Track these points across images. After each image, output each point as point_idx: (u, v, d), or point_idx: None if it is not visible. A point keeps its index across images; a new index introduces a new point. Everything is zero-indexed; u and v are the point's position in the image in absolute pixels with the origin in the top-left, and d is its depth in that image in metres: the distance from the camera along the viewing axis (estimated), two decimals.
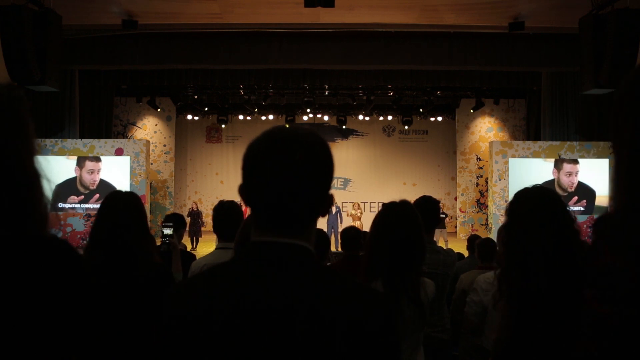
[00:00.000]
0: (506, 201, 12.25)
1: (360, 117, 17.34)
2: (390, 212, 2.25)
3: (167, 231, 3.27)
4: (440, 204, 15.12)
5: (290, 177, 0.97)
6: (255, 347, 0.93)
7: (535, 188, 1.78)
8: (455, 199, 17.51)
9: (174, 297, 1.02)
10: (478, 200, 16.61)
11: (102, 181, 11.96)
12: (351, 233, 4.23)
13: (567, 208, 1.71)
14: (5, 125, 1.03)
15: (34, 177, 1.05)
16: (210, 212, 3.46)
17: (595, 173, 11.98)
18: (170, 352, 0.98)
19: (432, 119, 17.44)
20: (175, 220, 3.77)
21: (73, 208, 11.86)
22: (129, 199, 2.22)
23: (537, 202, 1.70)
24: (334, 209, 13.40)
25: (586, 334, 0.78)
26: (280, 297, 0.95)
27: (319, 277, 1.00)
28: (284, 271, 0.98)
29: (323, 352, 0.93)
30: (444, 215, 13.91)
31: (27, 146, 1.05)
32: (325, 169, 1.02)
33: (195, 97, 15.63)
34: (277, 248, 1.00)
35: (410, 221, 2.20)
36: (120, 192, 2.30)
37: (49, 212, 1.07)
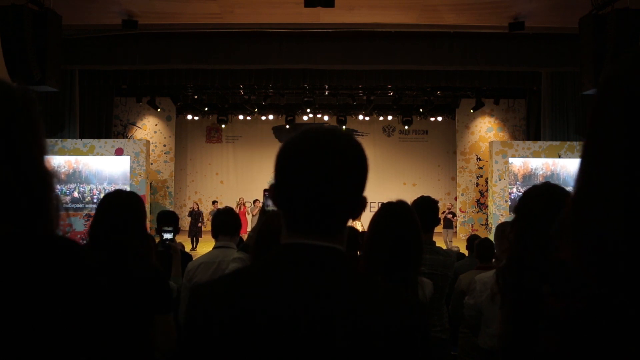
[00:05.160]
0: (506, 201, 12.28)
1: (360, 117, 17.35)
2: (386, 213, 2.25)
3: (168, 235, 3.24)
4: (449, 204, 15.17)
5: (327, 179, 0.97)
6: (290, 353, 0.91)
7: (545, 185, 1.78)
8: (455, 199, 17.50)
9: (200, 299, 0.98)
10: (478, 200, 16.61)
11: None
12: (349, 233, 4.24)
13: None
14: (20, 126, 1.04)
15: (47, 176, 1.06)
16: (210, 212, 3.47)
17: None
18: (198, 355, 0.96)
19: (432, 119, 17.45)
20: (173, 220, 3.75)
21: (73, 208, 11.87)
22: (126, 198, 2.16)
23: (543, 198, 1.70)
24: None
25: (543, 329, 0.80)
26: (317, 301, 0.94)
27: (353, 281, 0.99)
28: (320, 275, 0.96)
29: (361, 357, 0.92)
30: (451, 215, 13.89)
31: (39, 146, 1.07)
32: (361, 171, 1.03)
33: (195, 97, 15.62)
34: (311, 250, 0.98)
35: (406, 221, 2.21)
36: (117, 191, 2.23)
37: (59, 212, 1.08)
